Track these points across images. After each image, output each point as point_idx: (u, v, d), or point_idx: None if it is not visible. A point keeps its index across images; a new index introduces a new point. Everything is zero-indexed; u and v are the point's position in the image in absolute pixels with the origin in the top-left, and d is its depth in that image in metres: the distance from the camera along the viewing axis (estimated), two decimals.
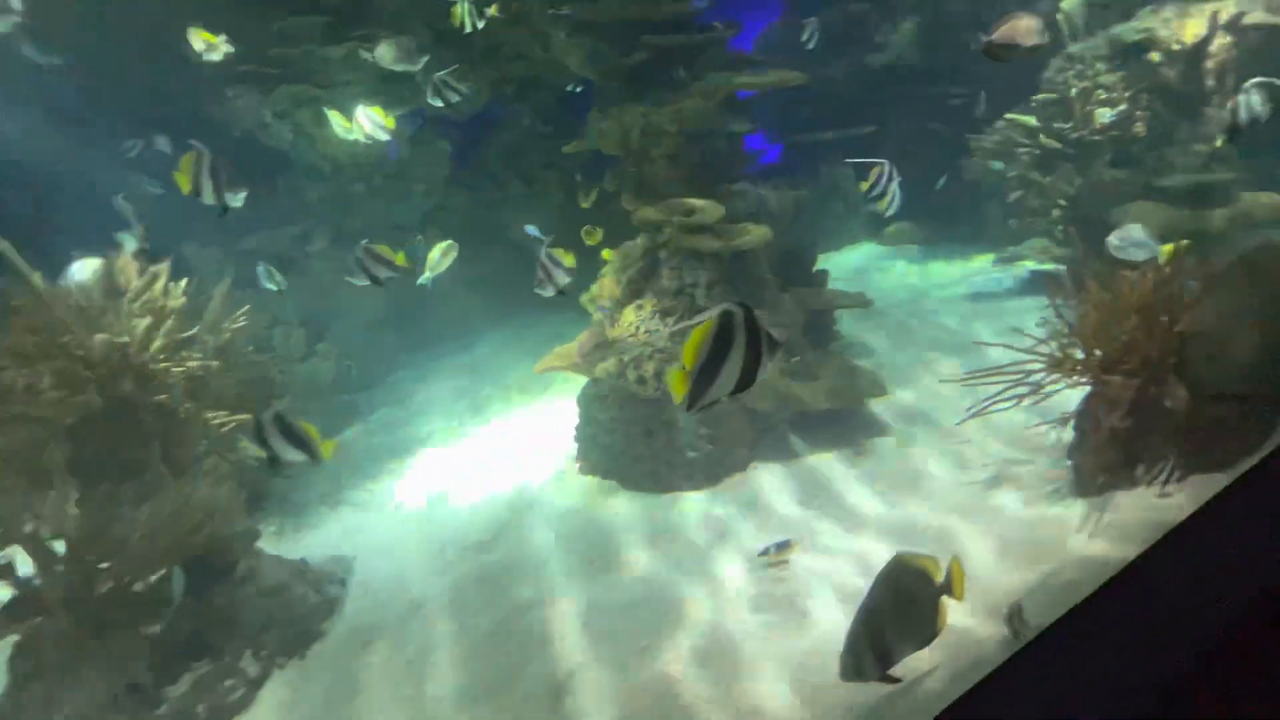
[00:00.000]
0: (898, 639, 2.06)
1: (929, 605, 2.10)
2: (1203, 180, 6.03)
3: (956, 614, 2.59)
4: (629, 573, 3.64)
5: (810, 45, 7.71)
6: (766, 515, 3.94)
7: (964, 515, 3.48)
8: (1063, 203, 6.58)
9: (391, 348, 8.25)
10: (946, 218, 8.23)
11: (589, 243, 6.50)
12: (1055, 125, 6.65)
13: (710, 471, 4.40)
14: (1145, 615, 1.35)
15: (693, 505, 4.19)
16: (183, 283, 4.82)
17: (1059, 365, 3.32)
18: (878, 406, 4.75)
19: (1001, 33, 2.98)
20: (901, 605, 2.09)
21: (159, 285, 4.65)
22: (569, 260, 3.89)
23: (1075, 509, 3.20)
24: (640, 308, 5.23)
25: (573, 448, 4.96)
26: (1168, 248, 3.38)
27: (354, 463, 5.82)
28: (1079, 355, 3.31)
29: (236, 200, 3.26)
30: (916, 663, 2.43)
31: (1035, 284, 6.39)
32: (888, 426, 4.59)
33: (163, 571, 3.40)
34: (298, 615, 3.57)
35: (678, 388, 1.89)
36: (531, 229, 6.99)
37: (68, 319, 3.80)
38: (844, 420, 4.57)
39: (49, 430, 3.77)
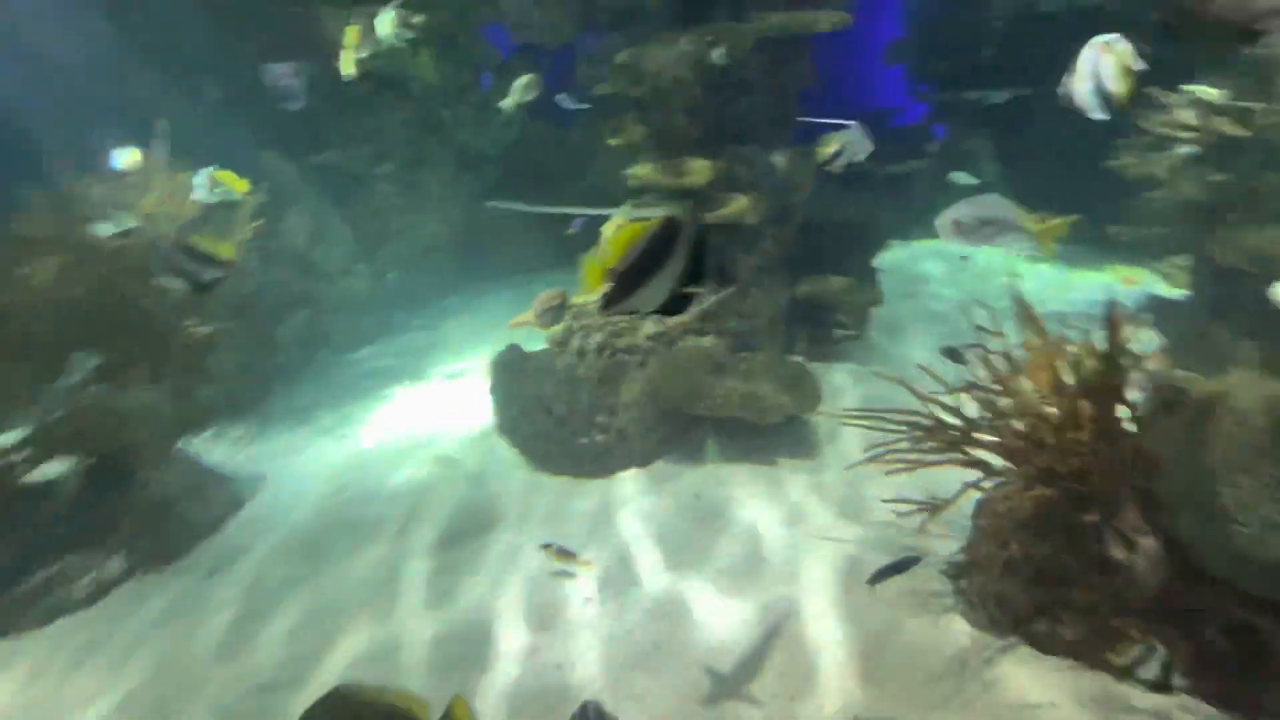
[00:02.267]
0: None
1: None
2: None
3: None
4: (468, 550, 3.23)
5: None
6: (610, 528, 3.30)
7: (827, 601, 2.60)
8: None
9: (444, 275, 8.26)
10: (1085, 211, 6.28)
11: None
12: (1244, 104, 4.60)
13: (599, 463, 3.77)
14: None
15: (557, 494, 3.64)
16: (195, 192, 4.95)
17: (935, 435, 2.26)
18: (816, 419, 3.80)
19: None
20: None
21: (175, 190, 4.83)
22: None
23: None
24: None
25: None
26: None
27: (349, 382, 5.91)
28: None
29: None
30: None
31: (1153, 310, 4.69)
32: (810, 448, 3.67)
33: (59, 466, 3.57)
34: (175, 530, 3.62)
35: (593, 280, 1.66)
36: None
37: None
38: (770, 432, 3.68)
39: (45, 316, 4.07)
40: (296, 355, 6.16)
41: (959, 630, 2.44)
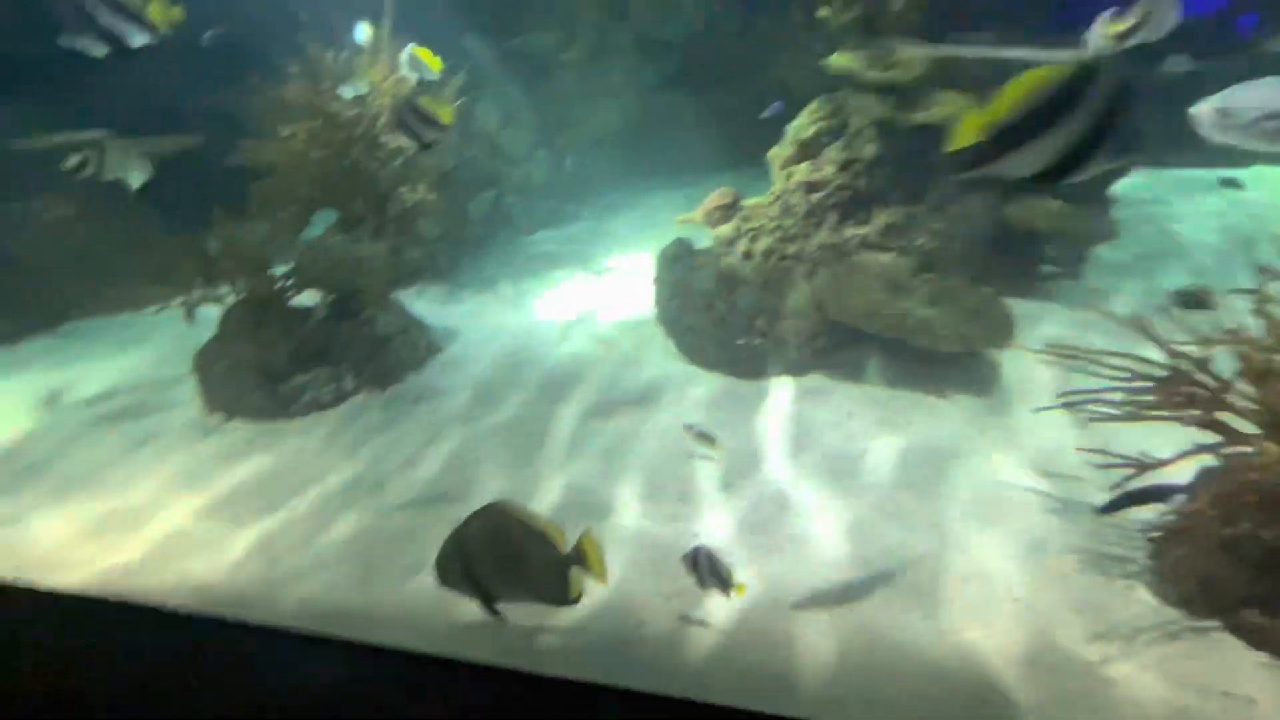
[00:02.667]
0: (499, 582, 1.86)
1: (545, 567, 1.82)
2: None
3: None
4: (614, 421, 3.58)
5: None
6: (752, 427, 3.39)
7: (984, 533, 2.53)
8: None
9: (614, 166, 8.42)
10: None
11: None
12: None
13: (753, 364, 3.83)
14: None
15: (709, 388, 3.78)
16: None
17: (1171, 388, 1.97)
18: (1002, 357, 3.50)
19: None
20: (501, 552, 1.81)
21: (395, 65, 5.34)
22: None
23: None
24: (790, 175, 4.38)
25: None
26: None
27: (524, 262, 6.44)
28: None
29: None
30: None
31: None
32: (987, 386, 3.39)
33: (312, 296, 4.39)
34: (393, 361, 4.35)
35: (966, 133, 1.45)
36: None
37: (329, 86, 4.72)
38: (950, 363, 3.46)
39: (300, 174, 4.88)
40: (481, 231, 6.78)
41: (1140, 599, 2.26)
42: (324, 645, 1.48)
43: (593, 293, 5.53)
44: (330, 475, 3.47)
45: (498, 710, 1.28)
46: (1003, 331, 3.35)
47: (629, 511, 2.95)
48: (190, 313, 4.09)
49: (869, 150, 3.97)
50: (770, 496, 2.96)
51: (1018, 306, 3.88)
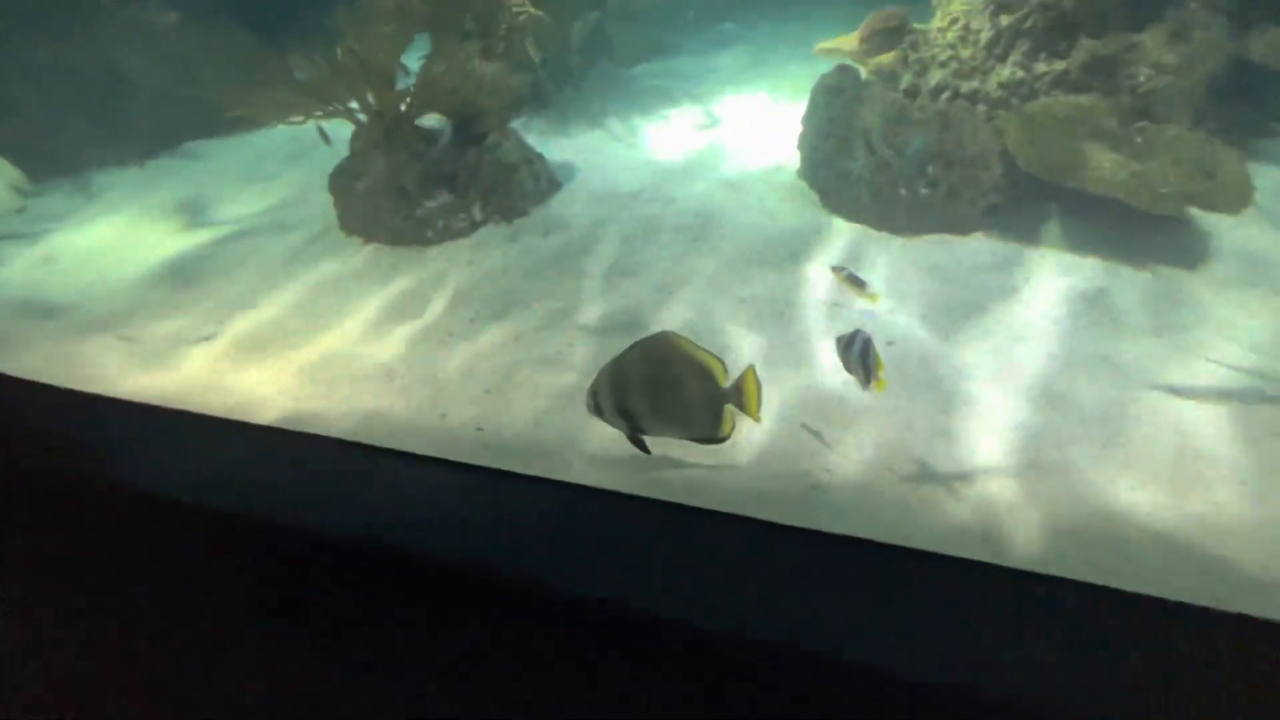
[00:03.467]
0: (651, 414, 1.86)
1: (701, 401, 1.82)
2: None
3: None
4: (754, 271, 3.43)
5: None
6: (902, 289, 3.15)
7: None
8: None
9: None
10: None
11: None
12: None
13: (914, 219, 3.54)
14: None
15: (861, 242, 3.54)
16: None
17: None
18: (1222, 225, 3.08)
19: None
20: (658, 383, 1.82)
21: None
22: None
23: None
24: None
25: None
26: None
27: (629, 97, 5.95)
28: None
29: None
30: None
31: None
32: (1208, 258, 3.01)
33: (436, 117, 4.18)
34: (517, 192, 4.21)
35: None
36: None
37: None
38: (1156, 229, 3.09)
39: None
40: (581, 60, 6.22)
41: None
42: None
43: (710, 134, 5.11)
44: (475, 290, 3.51)
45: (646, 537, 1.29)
46: (1237, 195, 2.89)
47: (754, 348, 2.90)
48: (324, 133, 3.97)
49: None
50: (933, 357, 2.82)
51: (1253, 169, 3.30)
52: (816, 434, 2.45)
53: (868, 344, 2.08)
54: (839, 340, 2.15)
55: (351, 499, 1.46)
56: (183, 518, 1.42)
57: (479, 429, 2.68)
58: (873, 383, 2.09)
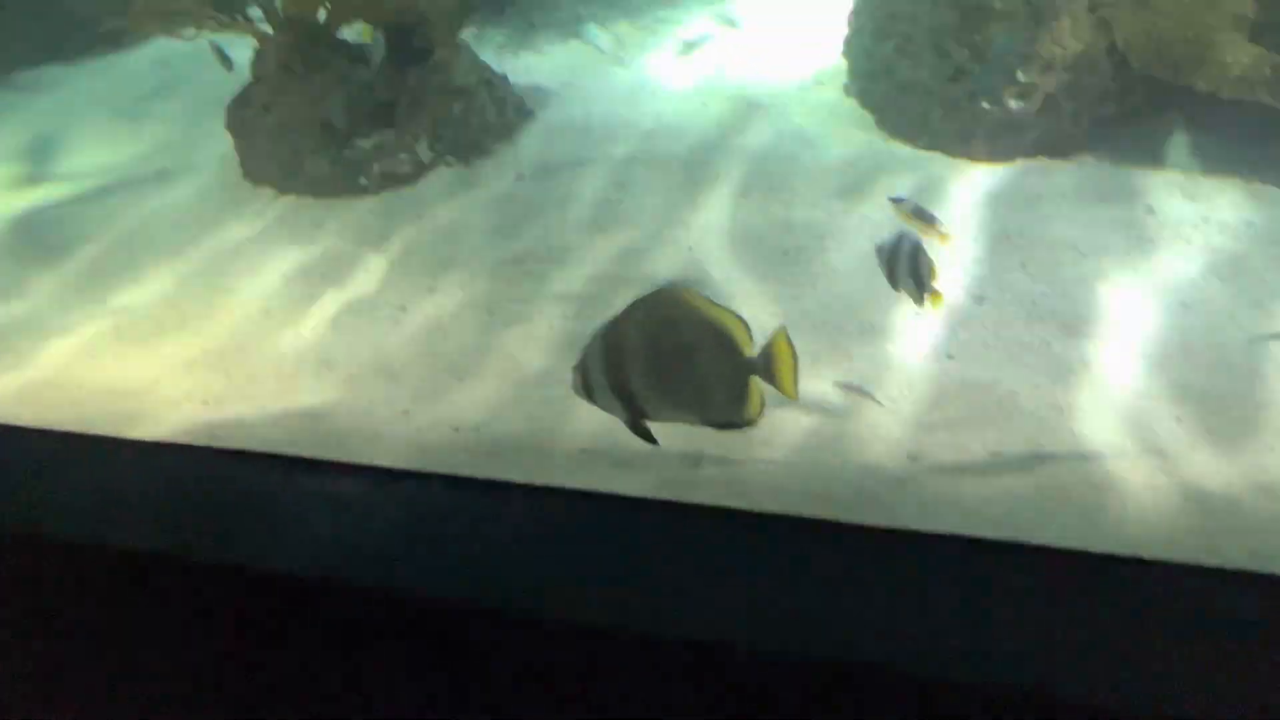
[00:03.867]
0: (656, 393, 1.62)
1: (721, 373, 1.59)
2: None
3: None
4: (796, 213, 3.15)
5: None
6: (999, 233, 2.93)
7: None
8: None
9: None
10: None
11: None
12: None
13: (1000, 140, 3.27)
14: None
15: (934, 173, 3.27)
16: None
17: None
18: None
19: None
20: (665, 353, 1.58)
21: None
22: None
23: None
24: None
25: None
26: None
27: (626, 3, 5.49)
28: None
29: None
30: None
31: None
32: None
33: (366, 28, 3.74)
34: (475, 125, 3.82)
35: None
36: None
37: None
38: None
39: None
40: None
41: None
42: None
43: (725, 42, 4.73)
44: (453, 267, 3.15)
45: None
46: None
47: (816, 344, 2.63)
48: (221, 53, 3.53)
49: None
50: (1030, 300, 2.61)
51: None
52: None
53: (918, 248, 2.01)
54: (879, 249, 2.07)
55: (299, 526, 1.43)
56: (84, 559, 1.39)
57: (455, 429, 2.37)
58: (927, 297, 2.02)
